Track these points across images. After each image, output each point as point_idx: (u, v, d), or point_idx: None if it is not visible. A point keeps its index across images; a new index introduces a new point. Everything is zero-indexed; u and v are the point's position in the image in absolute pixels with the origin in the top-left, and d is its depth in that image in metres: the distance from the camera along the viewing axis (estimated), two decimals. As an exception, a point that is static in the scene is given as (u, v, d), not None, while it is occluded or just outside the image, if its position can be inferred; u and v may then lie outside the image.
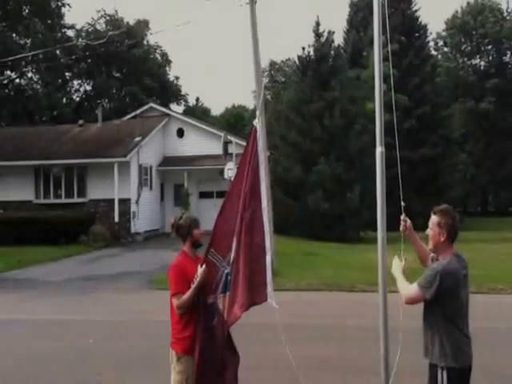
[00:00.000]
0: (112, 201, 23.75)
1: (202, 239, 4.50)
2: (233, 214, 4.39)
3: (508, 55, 49.77)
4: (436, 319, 3.76)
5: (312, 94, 27.64)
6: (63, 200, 24.71)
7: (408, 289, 3.81)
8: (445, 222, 3.80)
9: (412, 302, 3.80)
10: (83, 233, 22.48)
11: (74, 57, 35.77)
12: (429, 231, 3.88)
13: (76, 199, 24.60)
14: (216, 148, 23.88)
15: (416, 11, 38.57)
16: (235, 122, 54.87)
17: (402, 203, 4.12)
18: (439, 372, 3.74)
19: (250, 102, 56.13)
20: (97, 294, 13.41)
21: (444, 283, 3.65)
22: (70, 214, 22.90)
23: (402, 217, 4.19)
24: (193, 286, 4.20)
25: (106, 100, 44.04)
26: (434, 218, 3.88)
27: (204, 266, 4.22)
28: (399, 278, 3.94)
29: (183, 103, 48.03)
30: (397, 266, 4.04)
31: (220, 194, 24.05)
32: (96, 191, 24.27)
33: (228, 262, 4.35)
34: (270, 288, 4.28)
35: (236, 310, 4.19)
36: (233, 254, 4.31)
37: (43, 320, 10.61)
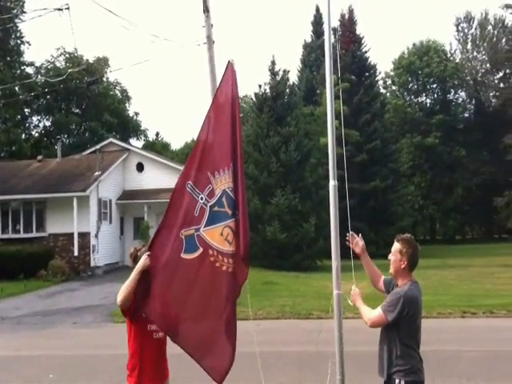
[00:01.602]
0: (71, 235, 23.89)
1: None
2: (220, 150, 4.37)
3: (452, 93, 52.27)
4: (393, 342, 3.91)
5: (268, 130, 28.58)
6: (22, 235, 24.68)
7: (372, 313, 3.98)
8: (406, 250, 3.96)
9: (376, 325, 3.96)
10: (42, 267, 22.35)
11: (33, 93, 35.93)
12: (390, 257, 4.04)
13: (35, 234, 24.62)
14: (175, 181, 24.34)
15: (366, 52, 40.46)
16: (194, 156, 55.31)
17: (350, 232, 4.33)
18: (397, 381, 3.90)
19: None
20: (56, 329, 13.27)
21: (406, 308, 3.82)
22: (29, 248, 22.92)
23: (350, 234, 4.35)
24: (135, 272, 4.07)
25: (66, 135, 44.03)
26: (396, 245, 4.03)
27: (146, 254, 4.08)
28: (361, 305, 4.10)
29: (143, 138, 48.48)
30: (356, 294, 4.20)
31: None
32: (55, 225, 24.38)
33: (211, 195, 4.33)
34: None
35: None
36: (219, 188, 4.32)
37: (0, 356, 10.45)
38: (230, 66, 4.50)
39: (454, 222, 51.16)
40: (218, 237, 4.34)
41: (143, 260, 4.07)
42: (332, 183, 4.36)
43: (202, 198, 4.35)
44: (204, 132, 4.46)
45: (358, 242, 4.34)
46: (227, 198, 4.41)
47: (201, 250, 4.27)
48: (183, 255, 4.23)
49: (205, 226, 4.30)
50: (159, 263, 4.16)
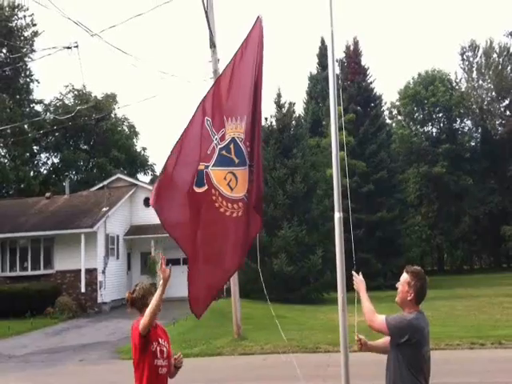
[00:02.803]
0: (79, 271, 23.91)
1: None
2: (239, 97, 4.56)
3: (458, 122, 52.27)
4: (400, 371, 3.86)
5: (275, 162, 28.74)
6: (29, 272, 24.72)
7: (375, 316, 3.95)
8: (414, 283, 3.93)
9: (374, 329, 3.96)
10: (50, 304, 22.37)
11: (42, 131, 36.46)
12: (398, 285, 4.02)
13: (42, 271, 24.64)
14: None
15: (371, 83, 40.77)
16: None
17: (354, 272, 4.24)
18: None
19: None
20: (62, 367, 13.25)
21: (409, 335, 3.80)
22: (36, 286, 22.94)
23: (354, 274, 4.27)
24: (159, 288, 4.11)
25: (74, 172, 44.50)
26: (405, 276, 4.00)
27: (163, 267, 4.14)
28: (364, 297, 4.07)
29: (150, 173, 48.86)
30: (360, 282, 4.17)
31: (187, 261, 24.40)
32: (63, 262, 24.41)
33: (222, 138, 4.54)
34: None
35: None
36: (229, 133, 4.55)
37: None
38: (258, 21, 4.67)
39: (461, 251, 50.83)
40: (222, 180, 4.59)
41: (163, 274, 4.12)
42: (337, 215, 4.36)
43: (216, 139, 4.57)
44: (225, 79, 4.65)
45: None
46: (235, 146, 4.64)
47: (206, 187, 4.53)
48: (194, 188, 4.52)
49: (213, 166, 4.54)
50: (178, 193, 4.42)
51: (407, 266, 4.13)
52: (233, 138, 4.64)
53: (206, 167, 4.50)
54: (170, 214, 4.55)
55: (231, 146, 4.62)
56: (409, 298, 3.93)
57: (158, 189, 4.42)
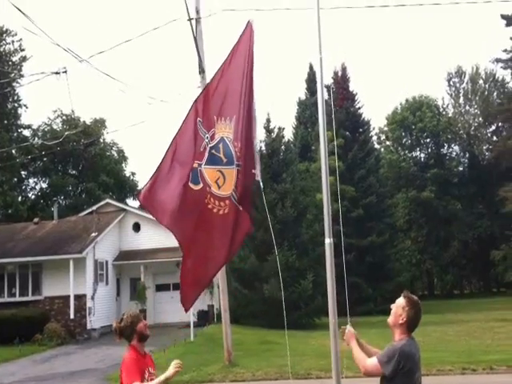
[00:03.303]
0: (67, 297, 23.66)
1: (146, 330, 4.38)
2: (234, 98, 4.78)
3: (445, 147, 52.81)
4: None
5: (265, 187, 28.70)
6: (18, 298, 24.44)
7: (367, 361, 3.93)
8: (408, 309, 3.93)
9: (369, 374, 3.92)
10: (38, 331, 22.11)
11: (30, 156, 36.32)
12: (393, 306, 4.03)
13: (31, 297, 24.38)
14: (172, 240, 24.27)
15: (359, 108, 41.15)
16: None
17: (348, 326, 4.16)
18: None
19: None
20: None
21: (402, 362, 3.77)
22: (25, 312, 22.63)
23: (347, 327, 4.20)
24: (159, 378, 4.11)
25: (62, 197, 44.28)
26: (401, 300, 4.01)
27: (177, 364, 4.11)
28: (354, 348, 4.04)
29: (139, 198, 48.67)
30: (351, 334, 4.13)
31: (176, 286, 24.21)
32: (51, 288, 24.16)
33: (212, 137, 4.79)
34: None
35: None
36: (218, 133, 4.77)
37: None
38: (249, 25, 4.91)
39: (451, 276, 50.80)
40: (213, 178, 4.83)
41: (173, 370, 4.11)
42: (327, 241, 4.37)
43: (207, 138, 4.83)
44: (215, 80, 4.92)
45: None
46: (224, 146, 4.86)
47: (201, 185, 4.78)
48: (190, 184, 4.77)
49: (205, 164, 4.79)
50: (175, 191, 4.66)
51: (405, 290, 4.15)
52: (222, 137, 4.85)
53: (199, 165, 4.74)
54: (164, 206, 4.78)
55: (220, 145, 4.84)
56: (400, 322, 3.92)
57: (152, 183, 4.69)
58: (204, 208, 4.81)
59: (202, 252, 4.95)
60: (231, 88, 4.91)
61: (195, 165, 4.73)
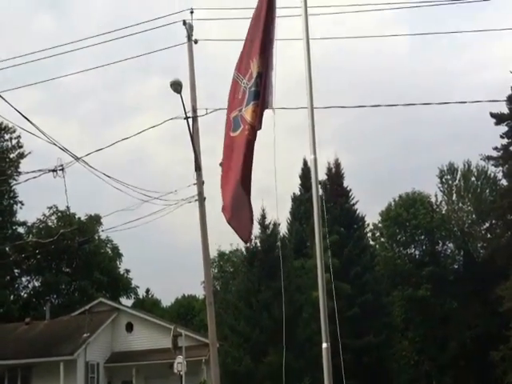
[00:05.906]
0: (57, 402, 22.77)
1: None
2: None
3: (440, 244, 52.67)
4: None
5: (260, 284, 28.51)
6: (5, 403, 23.53)
7: None
8: None
9: None
10: None
11: (23, 254, 36.09)
12: None
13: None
14: (165, 341, 23.79)
15: (353, 204, 41.62)
16: (185, 312, 54.78)
17: None
18: None
19: (199, 292, 56.52)
20: None
21: None
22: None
23: None
24: None
25: (55, 296, 43.55)
26: None
27: None
28: None
29: (133, 296, 47.96)
30: None
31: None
32: (41, 392, 23.33)
33: (250, 77, 5.37)
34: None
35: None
36: (255, 71, 5.34)
37: None
38: None
39: (449, 378, 48.90)
40: (251, 113, 5.48)
41: None
42: (325, 346, 4.40)
43: (244, 83, 5.56)
44: (250, 31, 5.82)
45: None
46: (261, 79, 5.53)
47: (242, 126, 5.50)
48: (232, 133, 5.59)
49: (245, 106, 5.45)
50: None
51: None
52: (258, 72, 5.55)
53: (240, 111, 5.49)
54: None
55: (258, 80, 5.50)
56: None
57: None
58: (244, 137, 5.56)
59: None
60: (256, 34, 5.70)
61: (236, 113, 5.48)
